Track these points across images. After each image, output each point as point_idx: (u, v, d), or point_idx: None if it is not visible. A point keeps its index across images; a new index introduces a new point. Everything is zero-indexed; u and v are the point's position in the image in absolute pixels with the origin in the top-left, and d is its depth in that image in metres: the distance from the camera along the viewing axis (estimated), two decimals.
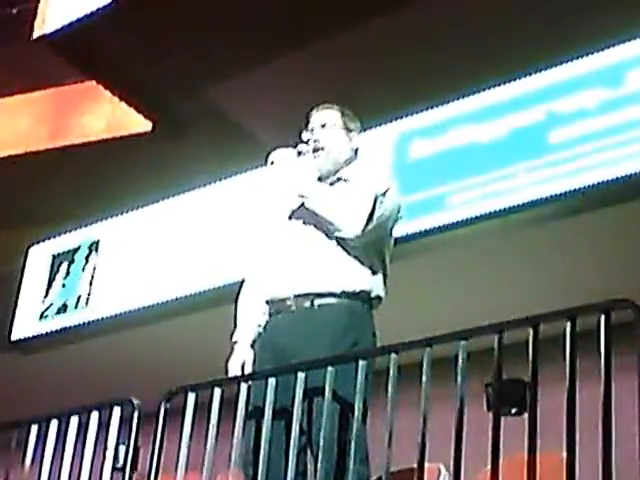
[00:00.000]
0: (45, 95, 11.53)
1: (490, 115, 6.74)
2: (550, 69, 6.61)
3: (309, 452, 3.48)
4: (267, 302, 3.75)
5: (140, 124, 10.17)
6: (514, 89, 6.73)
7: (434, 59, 8.20)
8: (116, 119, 10.64)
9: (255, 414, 3.50)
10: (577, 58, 6.52)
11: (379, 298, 3.72)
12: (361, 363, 3.29)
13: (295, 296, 3.64)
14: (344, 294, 3.62)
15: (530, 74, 6.67)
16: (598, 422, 2.82)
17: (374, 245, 3.71)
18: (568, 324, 2.97)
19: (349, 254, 3.66)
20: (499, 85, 6.79)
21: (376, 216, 3.64)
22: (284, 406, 3.42)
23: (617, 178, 6.00)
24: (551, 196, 6.22)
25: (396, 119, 7.24)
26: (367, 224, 3.62)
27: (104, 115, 10.83)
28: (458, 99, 6.95)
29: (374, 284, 3.69)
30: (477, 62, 7.77)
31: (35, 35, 9.31)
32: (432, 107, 7.07)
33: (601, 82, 6.32)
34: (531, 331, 3.03)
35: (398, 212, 3.78)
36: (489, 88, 6.82)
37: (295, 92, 8.32)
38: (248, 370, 3.68)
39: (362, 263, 3.67)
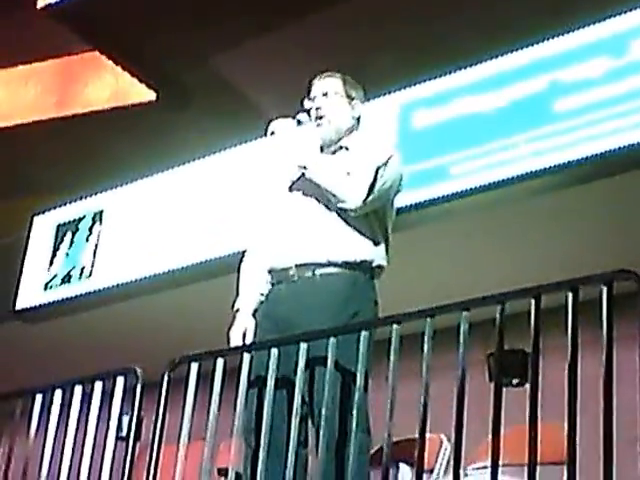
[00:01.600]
0: (50, 66, 11.50)
1: (493, 85, 6.69)
2: (553, 38, 6.55)
3: (310, 422, 3.48)
4: (269, 271, 3.74)
5: (143, 94, 10.15)
6: (517, 59, 6.68)
7: (437, 29, 8.17)
8: (120, 89, 10.62)
9: (257, 384, 3.50)
10: (581, 27, 6.46)
11: (380, 268, 3.70)
12: (364, 333, 3.28)
13: (297, 266, 3.62)
14: (345, 264, 3.60)
15: (533, 44, 6.62)
16: (599, 392, 2.81)
17: (376, 215, 3.69)
18: (570, 295, 2.95)
19: (350, 224, 3.64)
20: (502, 55, 6.74)
21: (377, 187, 3.61)
22: (286, 376, 3.41)
23: (620, 148, 5.97)
24: (554, 166, 6.18)
25: (399, 89, 7.19)
26: (368, 195, 3.59)
27: (108, 85, 10.81)
28: (461, 69, 6.90)
29: (376, 254, 3.67)
30: (480, 32, 7.74)
31: (39, 5, 9.29)
32: (435, 77, 7.02)
33: (605, 51, 6.26)
34: (533, 302, 3.01)
35: (400, 182, 3.75)
36: (492, 58, 6.77)
37: (298, 61, 8.29)
38: (249, 339, 3.67)
39: (364, 233, 3.65)
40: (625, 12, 6.30)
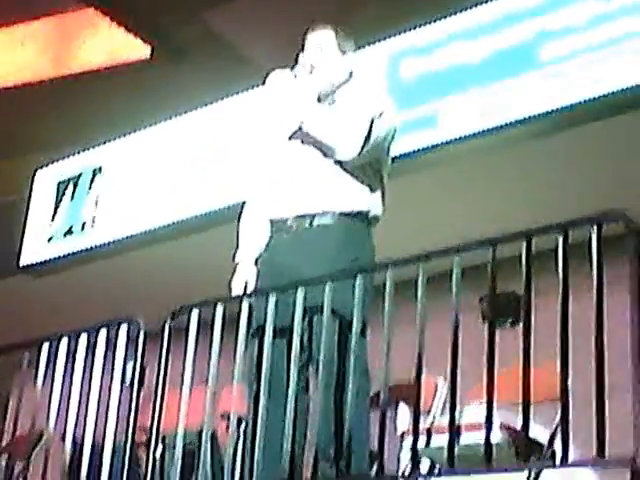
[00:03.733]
0: (46, 26, 11.39)
1: (481, 32, 6.62)
2: None
3: (311, 368, 3.48)
4: (269, 222, 3.72)
5: (139, 50, 10.07)
6: (503, 6, 6.60)
7: None
8: (115, 46, 10.54)
9: (257, 332, 3.49)
10: None
11: (376, 217, 3.71)
12: (359, 278, 3.28)
13: (295, 217, 3.62)
14: (343, 214, 3.60)
15: None
16: (591, 331, 2.81)
17: (371, 165, 3.68)
18: (560, 237, 2.94)
19: (347, 175, 3.63)
20: (489, 2, 6.66)
21: (372, 138, 3.61)
22: (286, 325, 3.41)
23: (607, 93, 5.92)
24: (542, 112, 6.14)
25: (388, 37, 7.12)
26: (364, 146, 3.59)
27: (104, 43, 10.72)
28: (448, 17, 6.82)
29: (372, 203, 3.67)
30: None
31: None
32: (423, 25, 6.93)
33: None
34: (524, 245, 3.01)
35: (394, 133, 3.75)
36: (479, 5, 6.70)
37: (288, 13, 8.23)
38: (251, 289, 3.66)
39: (360, 183, 3.64)
40: None
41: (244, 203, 3.92)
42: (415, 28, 6.96)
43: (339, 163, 3.62)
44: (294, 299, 3.34)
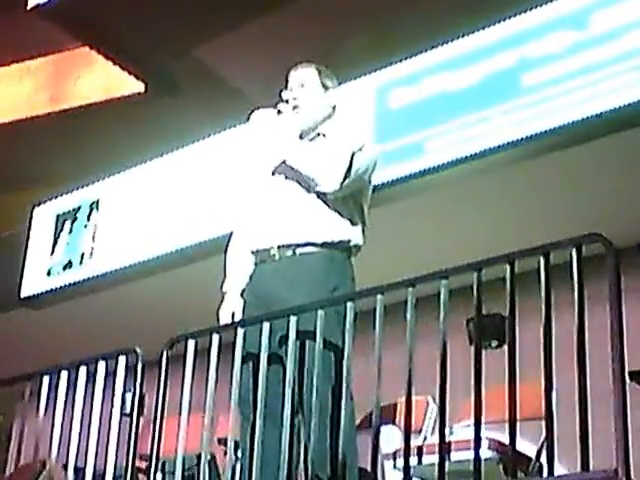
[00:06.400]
0: (43, 63, 11.47)
1: (464, 62, 6.68)
2: (519, 15, 6.54)
3: (299, 392, 3.50)
4: (252, 252, 3.76)
5: (133, 85, 10.14)
6: (486, 36, 6.66)
7: (408, 12, 8.17)
8: (110, 82, 10.60)
9: (248, 359, 3.52)
10: (545, 3, 6.45)
11: (357, 247, 3.73)
12: (349, 305, 3.31)
13: (278, 246, 3.66)
14: (325, 244, 3.63)
15: (500, 21, 6.61)
16: (574, 350, 2.84)
17: (352, 197, 3.72)
18: (542, 259, 2.98)
19: (329, 207, 3.67)
20: (471, 33, 6.73)
21: (353, 170, 3.64)
22: (273, 350, 3.46)
23: (588, 117, 5.97)
24: (525, 137, 6.19)
25: (375, 69, 7.17)
26: (345, 179, 3.62)
27: (99, 79, 10.79)
28: (433, 49, 6.88)
29: (353, 234, 3.70)
30: (449, 12, 7.74)
31: (30, 5, 9.26)
32: (408, 57, 7.00)
33: (568, 25, 6.26)
34: (508, 267, 3.04)
35: (374, 167, 3.78)
36: (462, 36, 6.76)
37: (277, 48, 8.30)
38: (238, 318, 3.70)
39: (341, 215, 3.68)
40: None
41: (232, 234, 3.96)
42: (401, 60, 7.02)
43: (321, 195, 3.66)
44: (279, 325, 3.38)
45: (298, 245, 3.62)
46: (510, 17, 6.58)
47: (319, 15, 8.57)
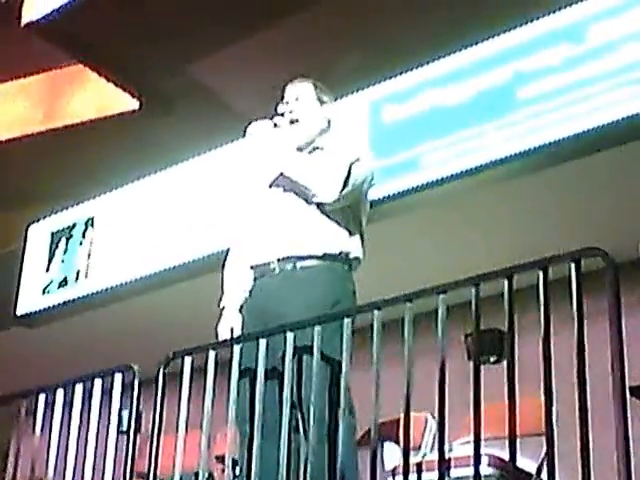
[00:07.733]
0: (37, 81, 11.46)
1: (460, 77, 6.68)
2: (514, 30, 6.55)
3: (298, 408, 3.48)
4: (251, 267, 3.74)
5: (127, 103, 10.13)
6: (480, 51, 6.67)
7: (401, 27, 8.19)
8: (105, 100, 10.59)
9: (245, 375, 3.50)
10: (540, 17, 6.46)
11: (358, 259, 3.72)
12: (346, 321, 3.29)
13: (278, 260, 3.64)
14: (325, 256, 3.61)
15: (495, 36, 6.61)
16: (573, 365, 2.82)
17: (351, 209, 3.72)
18: (541, 274, 2.96)
19: (328, 218, 3.66)
20: (465, 48, 6.73)
21: (351, 181, 3.64)
22: (272, 366, 3.43)
23: (583, 132, 5.97)
24: (521, 151, 6.18)
25: (370, 85, 7.18)
26: (343, 188, 3.62)
27: (94, 96, 10.78)
28: (427, 64, 6.88)
29: (352, 246, 3.70)
30: (443, 28, 7.75)
31: (23, 22, 9.26)
32: (402, 73, 7.00)
33: (564, 39, 6.27)
34: (506, 282, 3.02)
35: (372, 178, 3.78)
36: (456, 51, 6.77)
37: (272, 65, 8.31)
38: (237, 334, 3.67)
39: (340, 227, 3.67)
40: (581, 0, 6.30)
41: (228, 250, 3.95)
42: (395, 76, 7.02)
43: (320, 205, 3.65)
44: (278, 341, 3.36)
45: (298, 258, 3.61)
46: (505, 32, 6.58)
47: (313, 32, 8.59)
